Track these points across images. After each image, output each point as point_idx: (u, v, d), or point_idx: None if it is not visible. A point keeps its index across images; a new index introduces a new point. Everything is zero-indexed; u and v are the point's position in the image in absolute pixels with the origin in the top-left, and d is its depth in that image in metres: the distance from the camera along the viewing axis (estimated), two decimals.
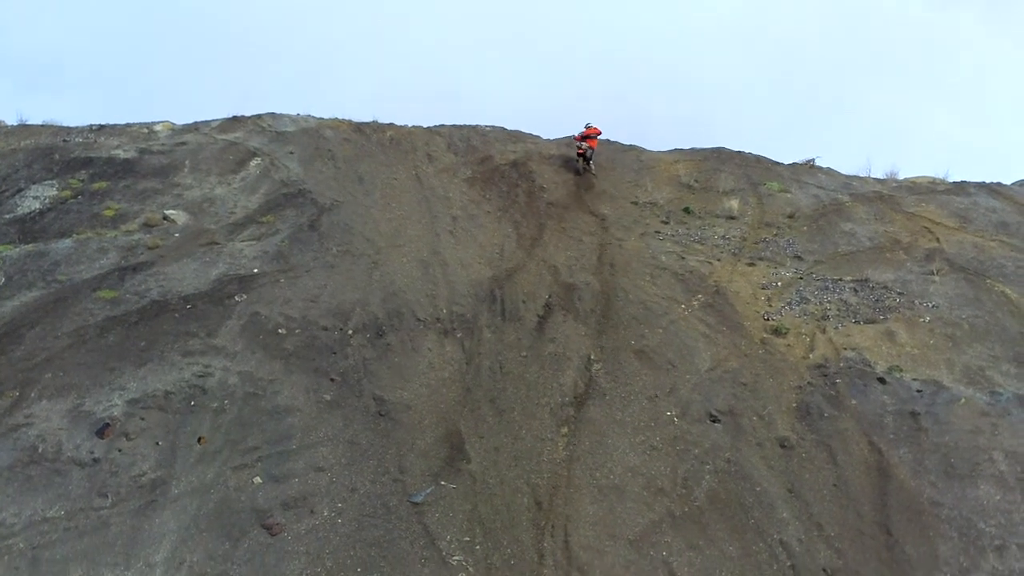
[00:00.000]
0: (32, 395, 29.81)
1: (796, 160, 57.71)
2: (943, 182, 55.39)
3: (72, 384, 30.51)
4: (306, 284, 37.47)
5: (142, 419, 29.46)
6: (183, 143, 49.61)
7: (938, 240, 45.43)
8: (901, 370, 35.47)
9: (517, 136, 57.64)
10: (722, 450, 31.80)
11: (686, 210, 49.45)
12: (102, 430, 28.68)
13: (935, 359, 36.16)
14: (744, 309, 39.91)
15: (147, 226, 40.81)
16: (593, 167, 53.11)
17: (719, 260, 44.17)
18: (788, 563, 27.70)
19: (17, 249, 38.20)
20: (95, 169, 45.67)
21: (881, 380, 35.00)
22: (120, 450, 28.25)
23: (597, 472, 30.32)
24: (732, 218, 48.87)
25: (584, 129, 52.62)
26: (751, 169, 54.88)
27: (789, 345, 37.54)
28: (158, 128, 52.03)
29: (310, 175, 47.04)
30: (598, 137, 53.10)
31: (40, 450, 27.70)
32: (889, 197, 51.64)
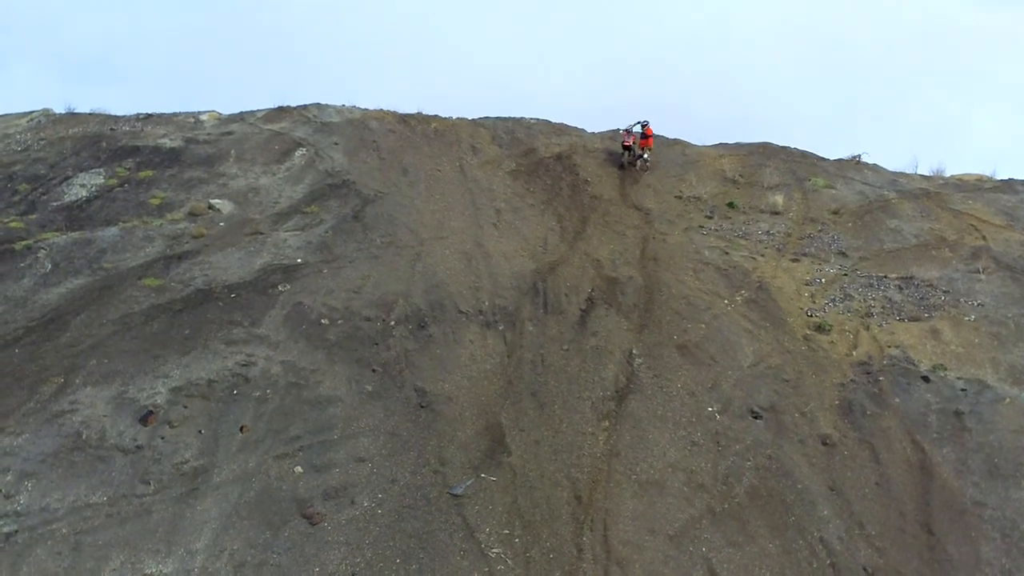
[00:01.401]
0: (77, 381, 30.06)
1: (842, 156, 57.32)
2: (990, 180, 54.87)
3: (116, 371, 30.74)
4: (349, 275, 37.56)
5: (185, 407, 29.65)
6: (229, 133, 49.85)
7: (984, 238, 45.00)
8: (945, 369, 35.21)
9: (561, 129, 57.53)
10: (763, 446, 31.68)
11: (730, 205, 49.24)
12: (145, 417, 28.88)
13: (980, 358, 35.86)
14: (787, 305, 39.72)
15: (192, 215, 41.06)
16: (648, 164, 53.00)
17: (763, 256, 43.96)
18: (828, 561, 27.57)
19: (64, 236, 38.51)
20: (142, 158, 45.99)
21: (925, 378, 34.76)
22: (163, 437, 28.45)
23: (637, 467, 30.26)
24: (776, 213, 48.61)
25: (642, 128, 52.50)
26: (796, 164, 54.55)
27: (832, 342, 37.33)
28: (204, 118, 52.33)
29: (354, 166, 47.15)
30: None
31: (84, 436, 27.94)
32: (935, 194, 51.21)
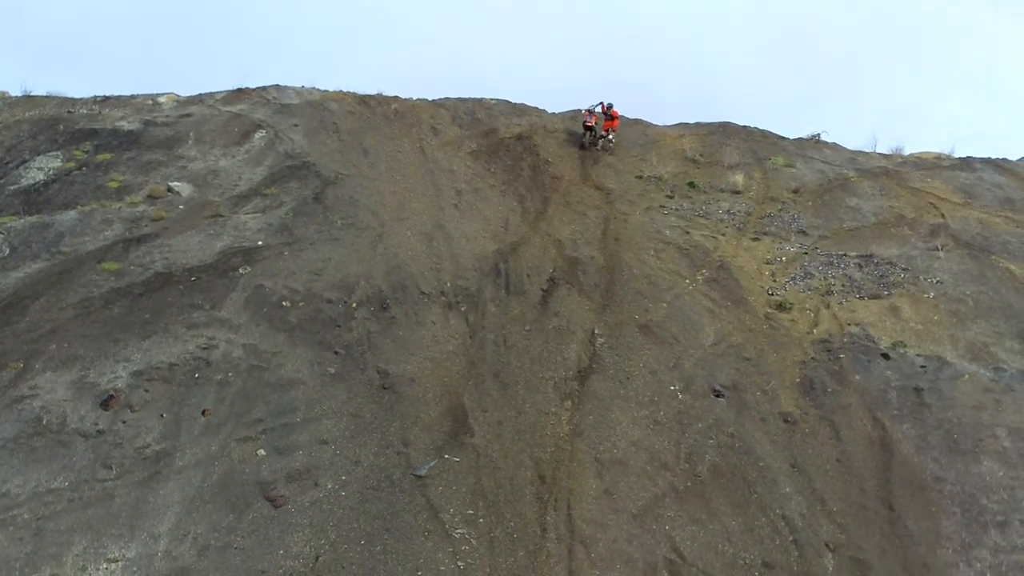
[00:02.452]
0: (36, 366, 29.85)
1: (802, 135, 57.58)
2: (949, 158, 55.27)
3: (76, 356, 30.55)
4: (310, 257, 37.44)
5: (146, 391, 29.52)
6: (188, 115, 49.50)
7: (943, 216, 45.36)
8: (905, 346, 35.49)
9: (522, 110, 57.47)
10: (725, 425, 31.87)
11: (691, 184, 49.38)
12: (106, 402, 28.74)
13: (939, 335, 36.17)
14: (748, 284, 39.91)
15: (151, 198, 40.76)
16: (612, 145, 53.08)
17: (724, 235, 44.14)
18: (791, 538, 27.80)
19: (21, 220, 38.17)
20: (99, 141, 45.59)
21: (885, 356, 35.04)
22: (124, 422, 28.32)
23: (600, 446, 30.38)
24: (737, 193, 48.81)
25: (606, 110, 52.57)
26: (756, 144, 54.77)
27: (793, 320, 37.56)
28: (162, 100, 51.93)
29: (314, 148, 46.93)
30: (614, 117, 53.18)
31: (44, 421, 27.77)
32: (895, 172, 51.55)
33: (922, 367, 34.43)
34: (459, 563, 25.71)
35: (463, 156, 50.05)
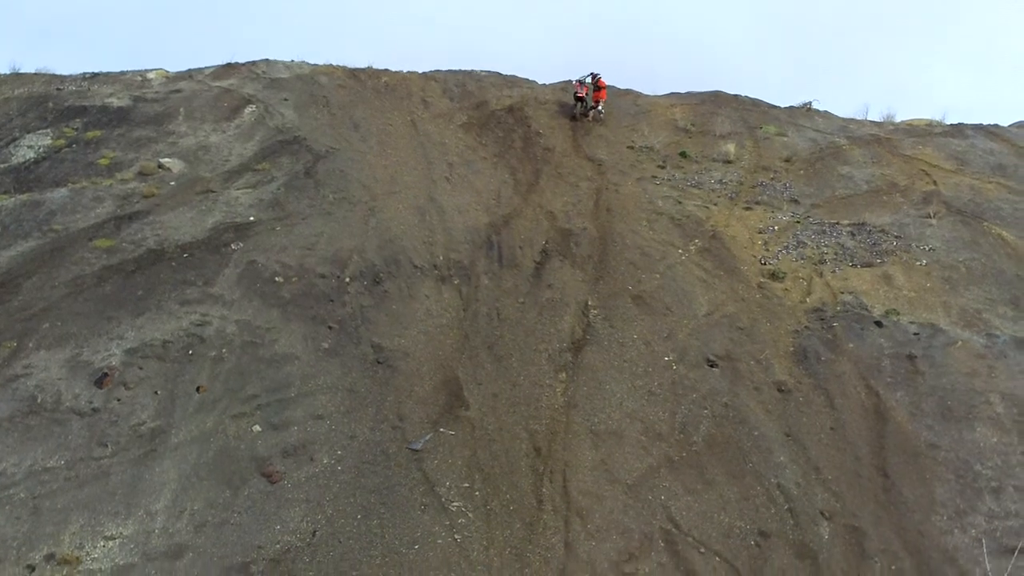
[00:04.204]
0: (30, 345, 29.82)
1: (793, 104, 57.52)
2: (940, 124, 55.28)
3: (70, 334, 30.52)
4: (302, 232, 37.39)
5: (140, 368, 29.50)
6: (177, 91, 49.34)
7: (935, 183, 45.39)
8: (898, 313, 35.55)
9: (513, 81, 57.38)
10: (720, 395, 31.93)
11: (683, 154, 49.34)
12: (101, 380, 28.73)
13: (932, 302, 36.24)
14: (741, 253, 39.94)
15: (142, 175, 40.66)
16: (602, 116, 53.02)
17: (716, 204, 44.14)
18: (786, 506, 27.89)
19: (12, 199, 38.07)
20: (89, 118, 45.43)
21: (878, 323, 35.10)
22: (119, 399, 28.31)
23: (595, 417, 30.44)
24: (729, 162, 48.79)
25: (594, 79, 52.51)
26: (748, 113, 54.73)
27: (786, 289, 37.60)
28: (152, 76, 51.73)
29: (305, 122, 46.83)
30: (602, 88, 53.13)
31: (39, 400, 27.76)
32: (886, 140, 51.53)
33: (915, 334, 34.51)
34: (456, 536, 25.77)
35: (454, 129, 49.99)
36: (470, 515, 26.41)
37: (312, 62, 55.04)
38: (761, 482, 28.67)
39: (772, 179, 46.92)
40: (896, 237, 40.44)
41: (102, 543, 24.42)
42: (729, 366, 33.28)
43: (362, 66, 55.34)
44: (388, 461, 27.83)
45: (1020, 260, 38.34)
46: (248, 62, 53.81)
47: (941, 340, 34.10)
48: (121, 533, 24.68)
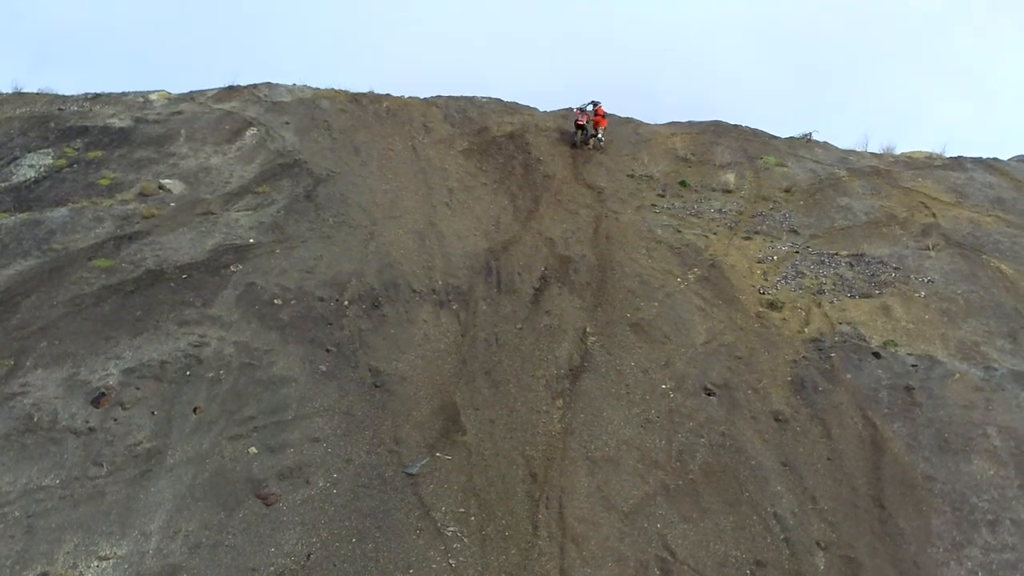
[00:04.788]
0: (28, 364, 29.82)
1: (793, 134, 57.69)
2: (940, 157, 55.43)
3: (68, 353, 30.52)
4: (302, 255, 37.44)
5: (137, 388, 29.50)
6: (179, 112, 49.48)
7: (934, 215, 45.48)
8: (896, 345, 35.58)
9: (514, 108, 57.49)
10: (717, 423, 31.90)
11: (682, 183, 49.43)
12: (97, 399, 28.71)
13: (930, 334, 36.26)
14: (740, 283, 39.97)
15: (143, 195, 40.73)
16: (602, 144, 53.13)
17: (715, 233, 44.19)
18: (782, 536, 27.84)
19: (12, 218, 38.12)
20: (90, 138, 45.56)
21: (876, 355, 35.11)
22: (115, 419, 28.29)
23: (592, 444, 30.41)
24: (728, 191, 48.88)
25: (595, 107, 52.65)
26: (748, 142, 54.85)
27: (784, 319, 37.62)
28: (154, 97, 51.87)
29: (306, 145, 46.93)
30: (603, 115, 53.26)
31: (35, 419, 27.74)
32: (886, 172, 51.68)
33: (913, 366, 34.52)
34: (451, 561, 25.72)
35: (455, 154, 50.09)
36: (465, 540, 26.35)
37: (314, 86, 55.26)
38: (757, 511, 28.63)
39: (771, 209, 47.00)
40: (895, 269, 40.51)
41: (96, 563, 24.36)
42: (726, 395, 33.26)
43: (364, 90, 55.55)
44: (384, 485, 27.78)
45: (1018, 293, 38.40)
46: (250, 85, 53.97)
47: (939, 372, 34.11)
48: (115, 553, 24.62)
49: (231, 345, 32.05)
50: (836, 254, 42.19)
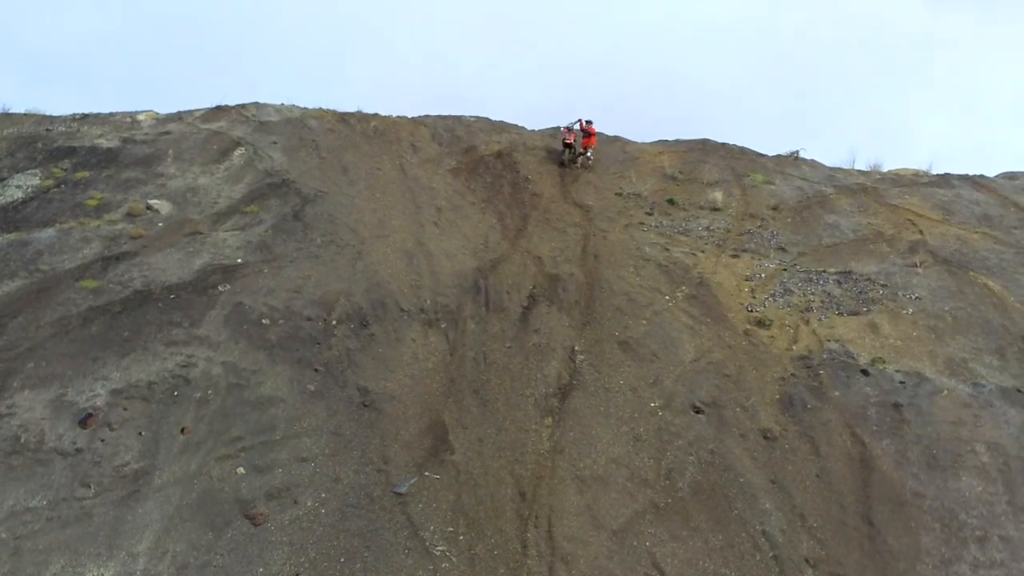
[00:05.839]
0: (14, 385, 29.73)
1: (780, 152, 57.80)
2: (926, 174, 55.64)
3: (55, 374, 30.44)
4: (290, 274, 37.40)
5: (125, 409, 29.42)
6: (166, 132, 49.42)
7: (921, 232, 45.58)
8: (884, 362, 35.60)
9: (502, 127, 57.54)
10: (705, 441, 31.89)
11: (670, 201, 49.50)
12: (85, 420, 28.63)
13: (918, 351, 36.30)
14: (728, 300, 40.00)
15: (130, 216, 40.66)
16: (591, 163, 53.20)
17: (703, 252, 44.24)
18: (771, 553, 27.82)
19: (0, 238, 38.03)
20: (78, 158, 45.47)
21: (864, 372, 35.13)
22: (103, 440, 28.21)
23: (581, 463, 30.39)
24: (716, 210, 48.95)
25: (586, 126, 52.73)
26: (735, 161, 54.96)
27: (773, 337, 37.64)
28: (141, 118, 51.81)
29: (294, 165, 46.91)
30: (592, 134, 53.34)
31: (22, 440, 27.65)
32: (873, 189, 51.81)
33: (901, 383, 34.54)
34: None
35: (443, 173, 50.10)
36: (454, 559, 26.31)
37: (302, 105, 55.22)
38: (746, 529, 28.62)
39: (759, 227, 47.06)
40: (882, 286, 40.57)
41: None
42: (715, 413, 33.27)
43: (352, 110, 55.54)
44: (372, 504, 27.74)
45: (1006, 310, 38.46)
46: (238, 105, 53.92)
47: (927, 389, 34.14)
48: (103, 574, 24.56)
49: (219, 365, 31.99)
50: (824, 271, 42.26)
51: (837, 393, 34.31)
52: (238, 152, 47.61)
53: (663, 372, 34.98)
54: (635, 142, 57.85)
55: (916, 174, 55.77)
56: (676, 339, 36.89)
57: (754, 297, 40.43)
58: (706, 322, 38.29)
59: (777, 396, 34.43)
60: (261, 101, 54.70)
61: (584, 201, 48.86)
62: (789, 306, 39.63)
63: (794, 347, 36.99)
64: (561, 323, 37.42)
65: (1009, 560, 27.91)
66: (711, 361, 35.90)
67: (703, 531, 28.46)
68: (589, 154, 53.05)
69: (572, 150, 52.75)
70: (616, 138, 57.71)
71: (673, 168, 53.62)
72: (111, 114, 52.08)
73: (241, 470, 28.23)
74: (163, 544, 25.62)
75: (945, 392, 33.94)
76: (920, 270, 41.67)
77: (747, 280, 41.82)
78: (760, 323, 38.41)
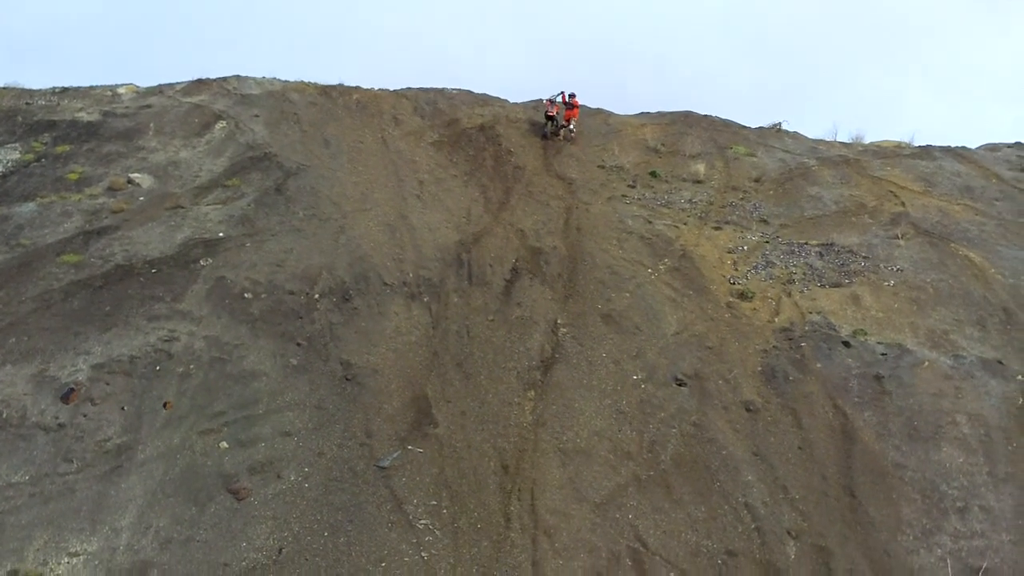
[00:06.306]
0: None
1: (763, 124, 57.78)
2: (909, 146, 55.67)
3: (36, 349, 30.37)
4: (272, 248, 37.32)
5: (107, 384, 29.38)
6: (147, 106, 49.19)
7: (903, 204, 45.65)
8: (866, 333, 35.71)
9: (484, 100, 57.35)
10: (688, 414, 31.97)
11: (653, 174, 49.45)
12: (67, 395, 28.59)
13: (899, 322, 36.41)
14: (710, 273, 40.04)
15: (111, 190, 40.49)
16: (574, 135, 53.10)
17: (685, 224, 44.25)
18: (753, 525, 27.94)
19: None
20: (58, 132, 45.26)
21: (846, 343, 35.24)
22: (85, 415, 28.19)
23: (563, 436, 30.43)
24: (699, 182, 48.93)
25: (569, 98, 52.58)
26: (718, 133, 54.91)
27: (755, 309, 37.71)
28: (122, 91, 51.56)
29: (276, 138, 46.74)
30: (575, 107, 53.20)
31: (4, 415, 27.62)
32: (855, 161, 51.83)
33: (883, 355, 34.66)
34: (423, 554, 25.74)
35: (425, 146, 49.96)
36: (437, 533, 26.37)
37: (283, 79, 54.95)
38: (728, 501, 28.72)
39: (742, 199, 47.08)
40: (864, 258, 40.64)
41: (66, 560, 24.31)
42: (697, 385, 33.34)
43: (333, 83, 55.31)
44: (356, 478, 27.77)
45: (987, 281, 38.58)
46: (219, 78, 53.65)
47: (908, 360, 34.26)
48: (86, 550, 24.57)
49: (201, 340, 31.95)
50: (806, 243, 42.32)
51: (819, 365, 34.41)
52: (219, 125, 47.43)
53: (646, 345, 35.03)
54: (618, 115, 57.71)
55: (898, 146, 55.82)
56: (659, 312, 36.94)
57: (736, 269, 40.47)
58: (688, 295, 38.33)
59: (759, 368, 34.51)
60: (242, 74, 54.45)
61: (567, 174, 48.79)
62: (771, 278, 39.69)
63: (776, 319, 37.06)
64: (544, 296, 37.42)
65: (989, 531, 28.06)
66: (694, 334, 35.95)
67: (685, 503, 28.55)
68: (572, 126, 52.94)
69: (555, 122, 52.61)
70: (599, 111, 57.57)
71: (656, 140, 53.54)
72: (91, 87, 51.81)
73: (224, 444, 28.23)
74: (146, 519, 25.63)
75: (926, 363, 34.07)
76: (902, 242, 41.75)
77: (729, 252, 41.86)
78: (742, 295, 38.46)
